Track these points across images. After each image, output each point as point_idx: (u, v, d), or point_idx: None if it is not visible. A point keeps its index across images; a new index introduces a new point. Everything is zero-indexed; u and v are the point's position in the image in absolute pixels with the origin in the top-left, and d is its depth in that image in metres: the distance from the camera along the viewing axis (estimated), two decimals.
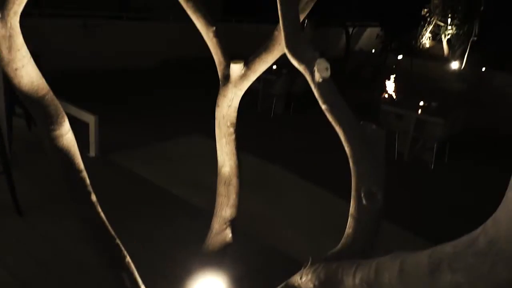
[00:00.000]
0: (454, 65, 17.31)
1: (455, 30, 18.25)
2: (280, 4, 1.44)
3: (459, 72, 16.57)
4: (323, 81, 1.18)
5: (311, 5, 2.32)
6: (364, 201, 1.18)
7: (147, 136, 6.73)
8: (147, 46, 12.23)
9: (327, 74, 1.18)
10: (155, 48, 12.37)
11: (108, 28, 11.73)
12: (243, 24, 14.99)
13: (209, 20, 2.54)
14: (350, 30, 17.36)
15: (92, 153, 5.57)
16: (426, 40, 20.58)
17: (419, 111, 7.22)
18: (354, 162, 1.22)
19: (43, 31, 9.85)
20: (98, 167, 5.30)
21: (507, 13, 15.02)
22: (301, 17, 2.42)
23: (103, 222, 1.93)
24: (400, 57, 16.43)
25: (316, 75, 1.19)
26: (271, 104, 9.01)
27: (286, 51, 1.33)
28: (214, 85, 2.58)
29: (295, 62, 1.28)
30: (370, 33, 19.22)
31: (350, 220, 1.28)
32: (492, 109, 11.47)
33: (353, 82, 12.85)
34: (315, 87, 1.21)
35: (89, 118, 5.49)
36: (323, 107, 1.21)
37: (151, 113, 8.16)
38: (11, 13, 1.42)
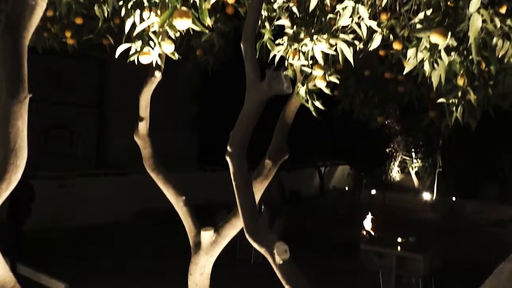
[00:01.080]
0: (426, 196, 17.86)
1: (421, 163, 19.25)
2: (237, 194, 1.55)
3: (430, 202, 17.03)
4: (283, 262, 1.23)
5: (274, 171, 2.48)
6: None
7: None
8: (122, 200, 12.32)
9: (287, 256, 1.23)
10: (130, 202, 12.44)
11: (84, 186, 11.91)
12: (217, 173, 15.41)
13: (179, 190, 2.66)
14: (323, 169, 18.09)
15: None
16: (395, 173, 21.49)
17: (399, 247, 7.22)
18: None
19: None
20: None
21: (467, 145, 16.03)
22: (266, 183, 2.57)
23: None
24: (373, 191, 16.92)
25: (276, 257, 1.25)
26: (250, 251, 8.85)
27: (246, 235, 1.40)
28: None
29: (255, 245, 1.34)
30: (342, 171, 20.00)
31: None
32: (468, 237, 11.58)
33: (330, 221, 12.94)
34: (276, 268, 1.26)
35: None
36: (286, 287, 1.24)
37: (126, 271, 7.87)
38: None
